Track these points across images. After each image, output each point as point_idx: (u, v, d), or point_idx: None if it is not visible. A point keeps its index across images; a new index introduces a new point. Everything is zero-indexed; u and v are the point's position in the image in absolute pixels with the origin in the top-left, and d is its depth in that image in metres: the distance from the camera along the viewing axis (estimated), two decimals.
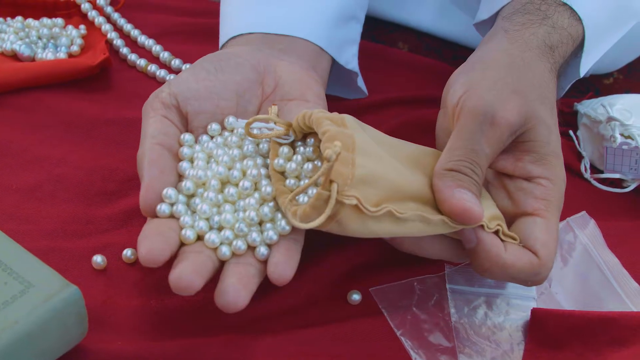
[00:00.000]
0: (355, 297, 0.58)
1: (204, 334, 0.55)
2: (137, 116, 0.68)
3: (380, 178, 0.51)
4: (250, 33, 0.66)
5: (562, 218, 0.64)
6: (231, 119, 0.59)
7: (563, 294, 0.59)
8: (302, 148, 0.56)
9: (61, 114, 0.70)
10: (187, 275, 0.50)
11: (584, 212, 0.64)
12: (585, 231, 0.63)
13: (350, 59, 0.70)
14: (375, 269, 0.59)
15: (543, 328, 0.56)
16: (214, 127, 0.58)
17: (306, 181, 0.53)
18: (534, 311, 0.57)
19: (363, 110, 0.73)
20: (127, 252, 0.59)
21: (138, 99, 0.72)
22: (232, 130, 0.59)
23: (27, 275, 0.50)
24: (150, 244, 0.51)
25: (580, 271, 0.61)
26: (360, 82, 0.72)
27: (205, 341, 0.54)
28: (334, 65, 0.69)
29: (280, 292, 0.57)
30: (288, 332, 0.55)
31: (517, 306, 0.58)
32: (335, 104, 0.72)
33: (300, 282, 0.58)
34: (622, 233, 0.64)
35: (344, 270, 0.59)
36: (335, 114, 0.54)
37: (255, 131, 0.56)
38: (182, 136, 0.58)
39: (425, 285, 0.59)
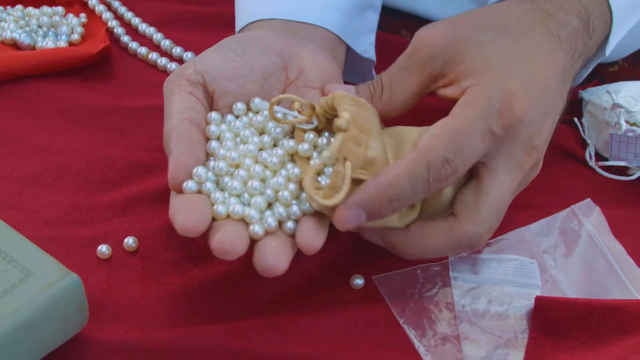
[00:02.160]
0: (358, 281, 0.57)
1: (205, 322, 0.55)
2: (138, 104, 0.69)
3: (382, 165, 0.52)
4: (270, 19, 0.65)
5: (566, 205, 0.63)
6: (257, 100, 0.58)
7: (567, 281, 0.59)
8: (326, 134, 0.55)
9: (62, 103, 0.70)
10: (231, 239, 0.49)
11: (588, 200, 0.64)
12: (590, 219, 0.63)
13: (367, 48, 0.69)
14: (378, 256, 0.59)
15: (547, 316, 0.55)
16: (240, 106, 0.58)
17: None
18: (538, 299, 0.56)
19: None
20: (129, 241, 0.59)
21: (139, 88, 0.72)
22: (257, 112, 0.58)
23: (27, 263, 0.50)
24: (188, 214, 0.50)
25: (585, 259, 0.60)
26: (374, 72, 0.72)
27: (205, 328, 0.54)
28: (349, 52, 0.69)
29: (282, 278, 0.57)
30: (289, 319, 0.55)
31: (520, 294, 0.57)
32: None
33: (302, 268, 0.58)
34: (627, 221, 0.64)
35: (347, 257, 0.59)
36: (359, 97, 0.55)
37: (279, 115, 0.56)
38: (208, 115, 0.57)
39: (429, 273, 0.58)
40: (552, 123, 0.57)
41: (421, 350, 0.54)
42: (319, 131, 0.56)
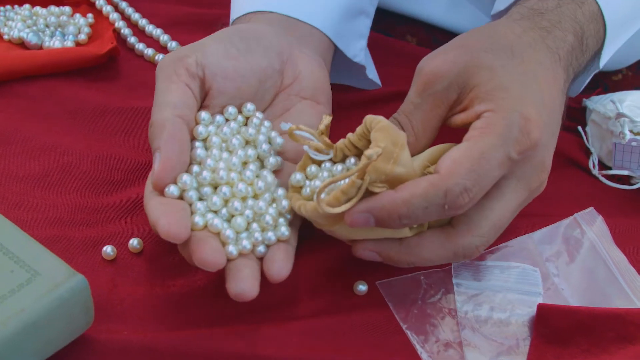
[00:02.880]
0: (362, 287, 0.58)
1: (209, 324, 0.55)
2: (145, 105, 0.69)
3: (408, 179, 0.52)
4: (270, 12, 0.65)
5: (569, 213, 0.63)
6: (249, 105, 0.59)
7: (569, 289, 0.59)
8: (335, 167, 0.56)
9: (68, 103, 0.70)
10: (214, 253, 0.51)
11: (591, 208, 0.64)
12: (592, 227, 0.63)
13: (357, 53, 0.69)
14: (381, 262, 0.59)
15: (549, 324, 0.56)
16: (231, 110, 0.58)
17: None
18: (540, 307, 0.56)
19: (372, 103, 0.73)
20: (134, 242, 0.59)
21: (145, 89, 0.72)
22: (247, 118, 0.59)
23: (34, 263, 0.50)
24: (170, 221, 0.51)
25: (587, 267, 0.61)
26: (372, 73, 0.72)
27: (209, 330, 0.54)
28: (339, 55, 0.69)
29: (286, 283, 0.57)
30: (292, 323, 0.55)
31: (523, 301, 0.58)
32: (343, 94, 0.72)
33: (306, 274, 0.58)
34: (630, 230, 0.64)
35: (351, 263, 0.59)
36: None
37: (301, 133, 0.56)
38: (198, 114, 0.57)
39: (432, 279, 0.58)
40: (555, 142, 0.58)
41: (424, 356, 0.54)
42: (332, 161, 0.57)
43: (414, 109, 0.57)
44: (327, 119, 0.56)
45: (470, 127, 0.54)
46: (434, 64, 0.56)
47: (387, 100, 0.72)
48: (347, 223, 0.52)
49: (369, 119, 0.54)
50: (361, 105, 0.72)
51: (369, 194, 0.52)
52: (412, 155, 0.55)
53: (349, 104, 0.71)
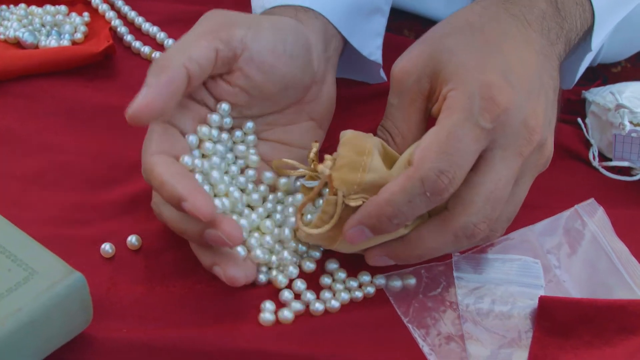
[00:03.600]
0: (365, 278, 0.57)
1: (208, 322, 0.55)
2: None
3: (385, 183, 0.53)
4: (307, 9, 0.64)
5: (570, 205, 0.63)
6: (249, 124, 0.60)
7: (571, 281, 0.59)
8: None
9: (65, 102, 0.69)
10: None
11: (592, 200, 0.64)
12: (593, 219, 0.63)
13: (374, 51, 0.69)
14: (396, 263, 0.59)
15: (551, 316, 0.55)
16: (224, 106, 0.58)
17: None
18: (542, 299, 0.56)
19: (370, 97, 0.72)
20: (132, 239, 0.59)
21: (142, 87, 0.71)
22: (244, 134, 0.60)
23: (31, 262, 0.50)
24: (234, 269, 0.54)
25: (589, 259, 0.60)
26: (381, 71, 0.71)
27: (209, 329, 0.54)
28: (354, 53, 0.68)
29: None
30: (294, 319, 0.55)
31: (524, 294, 0.57)
32: (341, 90, 0.71)
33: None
34: (631, 221, 0.64)
35: (352, 257, 0.59)
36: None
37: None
38: (187, 137, 0.57)
39: (433, 272, 0.58)
40: (546, 101, 0.56)
41: (425, 349, 0.54)
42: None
43: (394, 110, 0.57)
44: (315, 146, 0.57)
45: (440, 111, 0.54)
46: (402, 63, 0.57)
47: (384, 95, 0.72)
48: (347, 240, 0.53)
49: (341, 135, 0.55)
50: (363, 100, 0.72)
51: (354, 210, 0.53)
52: (404, 149, 0.56)
53: (352, 99, 0.71)
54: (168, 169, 0.53)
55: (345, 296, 0.56)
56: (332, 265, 0.58)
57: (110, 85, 0.72)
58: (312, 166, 0.56)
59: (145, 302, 0.56)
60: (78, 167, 0.64)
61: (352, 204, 0.53)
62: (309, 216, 0.56)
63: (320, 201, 0.56)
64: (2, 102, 0.69)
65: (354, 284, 0.57)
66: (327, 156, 0.55)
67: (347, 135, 0.55)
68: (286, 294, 0.56)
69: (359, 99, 0.72)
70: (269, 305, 0.55)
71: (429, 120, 0.57)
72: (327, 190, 0.55)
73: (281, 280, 0.56)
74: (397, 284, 0.57)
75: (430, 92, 0.56)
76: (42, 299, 0.48)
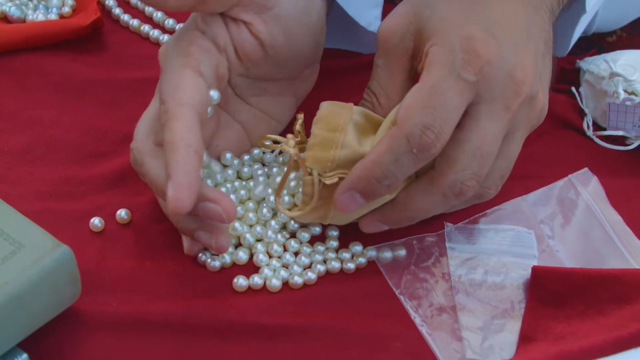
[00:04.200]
0: (333, 233, 0.58)
1: (199, 295, 0.55)
2: (130, 77, 0.69)
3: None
4: None
5: (564, 175, 0.63)
6: (246, 157, 0.61)
7: (564, 251, 0.59)
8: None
9: (53, 76, 0.69)
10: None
11: (586, 169, 0.63)
12: (587, 188, 0.62)
13: (372, 21, 0.68)
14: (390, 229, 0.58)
15: (544, 286, 0.55)
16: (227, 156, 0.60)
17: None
18: (535, 269, 0.56)
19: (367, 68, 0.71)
20: (121, 213, 0.58)
21: (131, 60, 0.71)
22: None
23: (18, 236, 0.50)
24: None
25: (583, 228, 0.60)
26: None
27: (200, 301, 0.54)
28: (352, 23, 0.67)
29: None
30: (284, 290, 0.55)
31: (517, 264, 0.57)
32: (339, 60, 0.71)
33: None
34: (625, 190, 0.63)
35: (342, 228, 0.58)
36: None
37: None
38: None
39: (424, 243, 0.58)
40: (535, 53, 0.55)
41: (417, 320, 0.54)
42: None
43: (380, 71, 0.56)
44: (300, 118, 0.56)
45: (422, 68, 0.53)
46: (386, 23, 0.56)
47: None
48: (338, 209, 0.52)
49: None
50: (355, 70, 0.71)
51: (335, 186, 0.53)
52: (389, 111, 0.55)
53: (343, 70, 0.70)
54: (186, 133, 0.51)
55: (336, 265, 0.56)
56: (332, 232, 0.58)
57: (98, 58, 0.71)
58: (298, 138, 0.56)
59: (134, 276, 0.55)
60: (66, 142, 0.63)
61: (328, 182, 0.53)
62: (286, 198, 0.57)
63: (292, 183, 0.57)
64: None
65: (346, 255, 0.56)
66: (289, 135, 0.55)
67: (321, 112, 0.54)
68: (274, 263, 0.56)
69: (352, 70, 0.71)
70: (257, 278, 0.55)
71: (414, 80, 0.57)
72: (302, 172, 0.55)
73: (262, 259, 0.56)
74: (387, 255, 0.57)
75: (414, 51, 0.55)
76: (29, 273, 0.48)
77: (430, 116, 0.50)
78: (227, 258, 0.56)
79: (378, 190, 0.52)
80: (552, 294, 0.55)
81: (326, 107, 0.55)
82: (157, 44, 0.73)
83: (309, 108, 0.60)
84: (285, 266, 0.56)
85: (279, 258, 0.56)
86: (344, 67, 0.71)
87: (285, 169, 0.57)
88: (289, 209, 0.56)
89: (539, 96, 0.55)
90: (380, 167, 0.51)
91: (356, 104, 0.56)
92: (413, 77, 0.56)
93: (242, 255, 0.56)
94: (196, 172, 0.51)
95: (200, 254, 0.56)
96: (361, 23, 0.66)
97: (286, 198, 0.57)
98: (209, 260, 0.56)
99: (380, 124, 0.54)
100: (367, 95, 0.57)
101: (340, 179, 0.53)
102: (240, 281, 0.55)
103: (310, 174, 0.53)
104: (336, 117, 0.54)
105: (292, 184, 0.57)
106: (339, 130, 0.53)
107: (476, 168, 0.52)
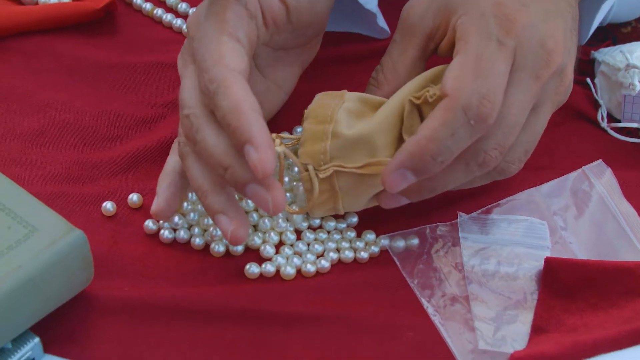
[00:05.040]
0: (353, 220, 0.57)
1: (211, 281, 0.55)
2: (143, 61, 0.68)
3: (362, 138, 0.52)
4: None
5: (577, 166, 0.62)
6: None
7: (577, 243, 0.58)
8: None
9: (65, 59, 0.68)
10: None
11: (600, 161, 0.63)
12: (601, 180, 0.62)
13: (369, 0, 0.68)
14: (387, 216, 0.58)
15: (557, 278, 0.55)
16: None
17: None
18: (548, 260, 0.56)
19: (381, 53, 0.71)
20: (133, 197, 0.58)
21: (143, 44, 0.71)
22: None
23: (32, 219, 0.49)
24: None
25: (596, 221, 0.60)
26: (382, 22, 0.70)
27: (212, 288, 0.54)
28: (355, 3, 0.67)
29: None
30: (297, 278, 0.55)
31: (530, 255, 0.57)
32: (353, 45, 0.70)
33: None
34: (639, 183, 0.63)
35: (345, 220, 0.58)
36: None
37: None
38: None
39: (437, 233, 0.58)
40: (564, 26, 0.54)
41: (430, 310, 0.53)
42: None
43: (395, 45, 0.56)
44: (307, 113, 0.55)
45: (455, 42, 0.52)
46: (409, 2, 0.56)
47: None
48: (387, 188, 0.51)
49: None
50: (372, 57, 0.71)
51: (353, 178, 0.53)
52: (394, 87, 0.55)
53: (358, 56, 0.70)
54: (247, 97, 0.49)
55: (349, 254, 0.56)
56: (352, 219, 0.58)
57: (111, 42, 0.71)
58: (293, 134, 0.58)
59: (146, 260, 0.55)
60: (79, 125, 0.63)
61: (322, 175, 0.52)
62: (287, 195, 0.56)
63: (287, 178, 0.57)
64: (2, 58, 0.68)
65: (360, 244, 0.56)
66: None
67: (311, 106, 0.54)
68: (286, 250, 0.56)
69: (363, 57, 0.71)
70: (270, 265, 0.55)
71: (428, 62, 0.56)
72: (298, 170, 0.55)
73: (269, 251, 0.56)
74: (400, 244, 0.56)
75: (433, 31, 0.55)
76: (42, 257, 0.48)
77: (484, 85, 0.49)
78: (238, 247, 0.56)
79: (432, 167, 0.50)
80: (565, 285, 0.55)
81: (315, 101, 0.55)
82: (169, 27, 0.73)
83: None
84: (299, 254, 0.56)
85: (291, 246, 0.56)
86: (353, 54, 0.70)
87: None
88: (289, 204, 0.56)
89: (568, 70, 0.54)
90: (436, 142, 0.49)
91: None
92: (426, 57, 0.56)
93: (257, 240, 0.56)
94: (269, 134, 0.49)
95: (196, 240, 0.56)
96: (360, 0, 0.66)
97: (287, 194, 0.57)
98: (213, 245, 0.56)
99: (380, 105, 0.54)
100: (376, 70, 0.56)
101: (336, 171, 0.52)
102: (253, 268, 0.54)
103: (306, 169, 0.53)
104: (324, 108, 0.53)
105: (286, 179, 0.58)
106: (327, 121, 0.53)
107: (500, 138, 0.51)
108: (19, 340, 0.48)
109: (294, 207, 0.56)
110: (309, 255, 0.56)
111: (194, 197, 0.58)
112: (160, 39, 0.71)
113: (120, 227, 0.57)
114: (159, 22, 0.73)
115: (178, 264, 0.55)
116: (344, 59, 0.69)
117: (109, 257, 0.55)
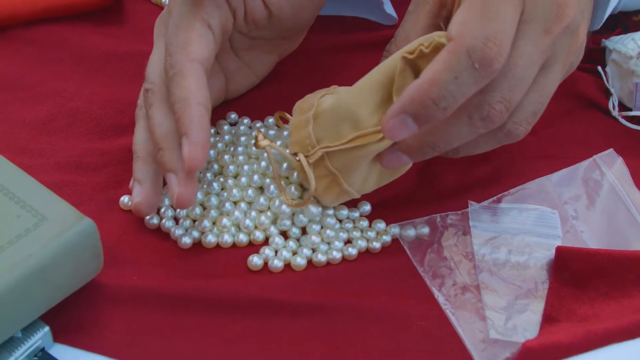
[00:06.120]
0: (366, 208, 0.57)
1: (220, 270, 0.54)
2: (151, 49, 0.67)
3: (340, 108, 0.52)
4: None
5: (588, 155, 0.62)
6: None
7: (588, 232, 0.58)
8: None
9: (74, 47, 0.68)
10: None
11: (611, 150, 0.62)
12: (612, 169, 0.61)
13: None
14: (396, 205, 0.58)
15: (568, 267, 0.55)
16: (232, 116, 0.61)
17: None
18: (559, 250, 0.55)
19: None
20: (124, 199, 0.58)
21: (152, 32, 0.70)
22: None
23: (41, 208, 0.49)
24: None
25: (607, 210, 0.59)
26: (389, 7, 0.69)
27: (221, 277, 0.54)
28: None
29: None
30: (307, 269, 0.55)
31: (541, 244, 0.56)
32: (362, 33, 0.70)
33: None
34: None
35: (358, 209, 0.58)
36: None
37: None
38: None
39: (448, 222, 0.57)
40: None
41: (440, 299, 0.53)
42: None
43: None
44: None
45: None
46: None
47: None
48: (386, 135, 0.49)
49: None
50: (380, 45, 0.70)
51: (345, 155, 0.52)
52: None
53: (366, 44, 0.70)
54: (198, 91, 0.53)
55: (362, 244, 0.56)
56: (365, 207, 0.57)
57: (119, 30, 0.71)
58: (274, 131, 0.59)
59: (155, 249, 0.55)
60: (87, 113, 0.63)
61: (311, 160, 0.52)
62: (292, 188, 0.56)
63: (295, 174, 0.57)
64: (11, 48, 0.68)
65: (371, 234, 0.56)
66: (254, 133, 0.56)
67: (297, 104, 0.55)
68: (291, 244, 0.56)
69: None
70: (276, 261, 0.55)
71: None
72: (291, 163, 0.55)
73: (278, 241, 0.56)
74: (410, 233, 0.56)
75: None
76: (52, 246, 0.48)
77: (490, 27, 0.47)
78: (243, 238, 0.55)
79: (434, 112, 0.48)
80: (576, 274, 0.54)
81: (302, 99, 0.55)
82: None
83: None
84: (313, 249, 0.55)
85: (297, 239, 0.56)
86: (360, 42, 0.70)
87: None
88: (294, 199, 0.56)
89: (580, 31, 0.52)
90: (438, 86, 0.47)
91: None
92: (436, 22, 0.54)
93: (260, 235, 0.56)
94: (208, 131, 0.52)
95: (179, 236, 0.56)
96: None
97: (292, 188, 0.56)
98: (181, 236, 0.55)
99: (304, 106, 0.54)
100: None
101: (326, 153, 0.52)
102: (255, 260, 0.54)
103: (299, 160, 0.53)
104: (307, 100, 0.54)
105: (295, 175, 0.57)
106: (309, 109, 0.53)
107: (506, 91, 0.49)
108: (28, 330, 0.48)
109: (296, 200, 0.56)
110: (321, 246, 0.55)
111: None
112: None
113: (129, 215, 0.57)
114: None
115: (188, 254, 0.55)
116: (351, 46, 0.69)
117: (119, 246, 0.55)
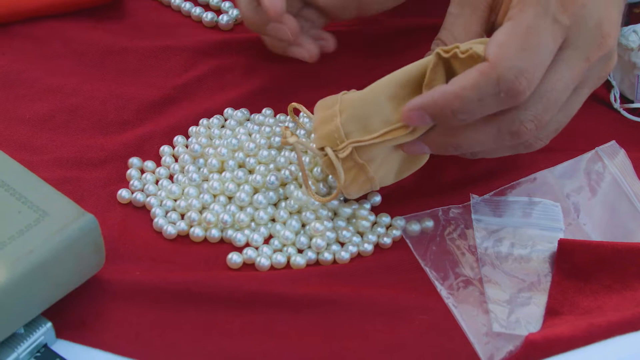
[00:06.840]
0: (376, 199, 0.57)
1: (222, 265, 0.54)
2: (152, 45, 0.68)
3: (369, 97, 0.52)
4: None
5: (590, 148, 0.62)
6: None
7: (591, 224, 0.58)
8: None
9: (74, 44, 0.68)
10: None
11: (613, 142, 0.62)
12: (614, 161, 0.61)
13: None
14: (399, 198, 0.58)
15: (570, 259, 0.55)
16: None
17: None
18: (562, 242, 0.55)
19: (411, 33, 0.70)
20: (122, 192, 0.58)
21: (152, 28, 0.70)
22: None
23: (42, 204, 0.49)
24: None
25: (609, 202, 0.59)
26: None
27: (223, 272, 0.54)
28: None
29: None
30: (311, 264, 0.55)
31: (544, 237, 0.56)
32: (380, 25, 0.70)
33: None
34: None
35: (368, 200, 0.58)
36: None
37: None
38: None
39: (450, 215, 0.57)
40: (619, 11, 0.53)
41: (443, 293, 0.53)
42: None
43: (453, 19, 0.55)
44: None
45: (509, 8, 0.51)
46: None
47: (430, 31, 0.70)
48: (403, 120, 0.50)
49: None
50: (401, 36, 0.70)
51: (374, 149, 0.52)
52: None
53: (389, 35, 0.70)
54: None
55: (372, 238, 0.56)
56: (376, 198, 0.57)
57: (120, 26, 0.70)
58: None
59: (157, 245, 0.55)
60: (88, 109, 0.63)
61: (341, 155, 0.52)
62: (320, 185, 0.56)
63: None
64: (12, 44, 0.68)
65: (381, 230, 0.56)
66: (282, 128, 0.55)
67: (318, 103, 0.55)
68: (302, 240, 0.55)
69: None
70: (280, 256, 0.55)
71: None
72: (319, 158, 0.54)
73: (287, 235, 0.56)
74: (415, 227, 0.56)
75: (495, 2, 0.53)
76: (53, 241, 0.48)
77: (527, 60, 0.48)
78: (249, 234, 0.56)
79: (450, 121, 0.49)
80: (579, 267, 0.54)
81: (323, 98, 0.55)
82: (178, 11, 0.72)
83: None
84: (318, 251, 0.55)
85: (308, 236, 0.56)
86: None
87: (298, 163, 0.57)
88: (323, 196, 0.56)
89: (614, 55, 0.53)
90: (461, 101, 0.48)
91: None
92: (488, 31, 0.55)
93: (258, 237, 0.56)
94: None
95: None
96: None
97: (320, 185, 0.56)
98: (166, 227, 0.56)
99: (330, 102, 0.54)
100: (435, 45, 0.55)
101: (354, 148, 0.52)
102: (235, 258, 0.54)
103: (326, 154, 0.53)
104: (329, 98, 0.54)
105: (317, 169, 0.57)
106: (335, 104, 0.53)
107: (540, 111, 0.50)
108: (31, 326, 0.48)
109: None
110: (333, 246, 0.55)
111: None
112: (169, 23, 0.71)
113: (131, 211, 0.57)
114: (167, 5, 0.73)
115: (190, 249, 0.55)
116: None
117: (120, 242, 0.55)
